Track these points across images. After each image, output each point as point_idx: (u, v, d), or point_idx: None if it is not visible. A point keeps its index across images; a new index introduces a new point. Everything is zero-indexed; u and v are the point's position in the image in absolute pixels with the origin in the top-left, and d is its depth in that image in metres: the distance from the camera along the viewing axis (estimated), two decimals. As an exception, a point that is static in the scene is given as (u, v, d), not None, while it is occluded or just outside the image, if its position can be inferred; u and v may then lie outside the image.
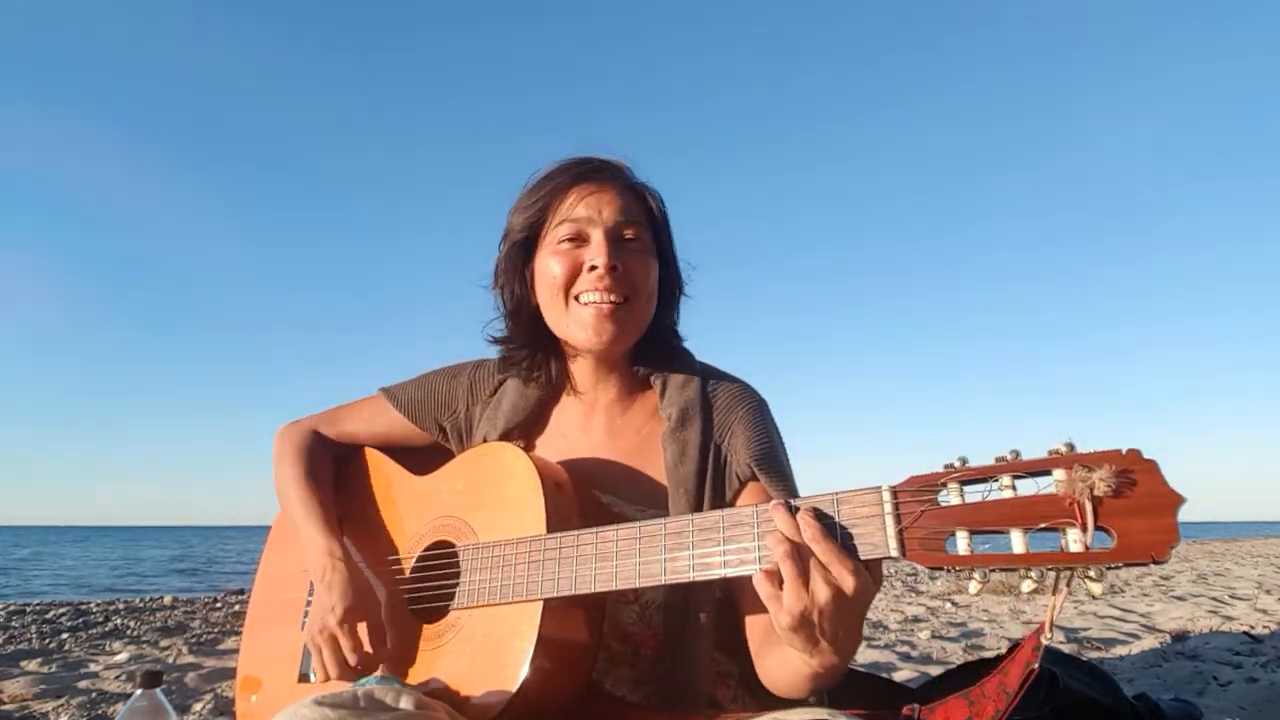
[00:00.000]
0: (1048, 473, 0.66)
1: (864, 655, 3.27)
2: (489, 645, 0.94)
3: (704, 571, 0.82)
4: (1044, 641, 0.70)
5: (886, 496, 0.72)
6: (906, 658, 3.22)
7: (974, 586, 0.68)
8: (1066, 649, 3.04)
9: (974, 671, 1.39)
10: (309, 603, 1.14)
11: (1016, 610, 4.72)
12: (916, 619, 4.50)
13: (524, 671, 0.88)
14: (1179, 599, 5.30)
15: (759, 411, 1.10)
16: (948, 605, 5.17)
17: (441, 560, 1.05)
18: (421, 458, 1.22)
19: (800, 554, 0.72)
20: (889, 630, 4.05)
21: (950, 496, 0.70)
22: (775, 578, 0.73)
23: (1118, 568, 0.63)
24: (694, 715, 0.99)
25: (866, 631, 3.97)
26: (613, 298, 1.03)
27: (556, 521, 0.96)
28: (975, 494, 0.69)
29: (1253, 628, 3.64)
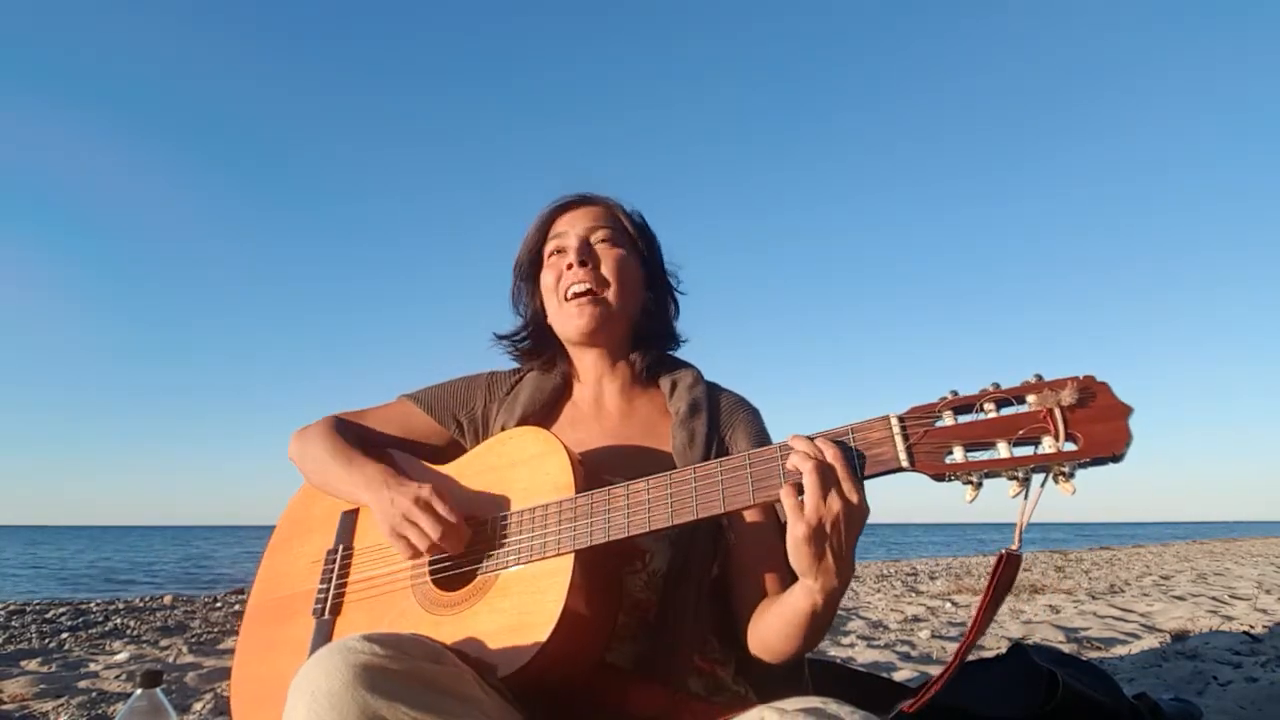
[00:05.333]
0: (1023, 399, 0.80)
1: (864, 655, 3.28)
2: (519, 602, 0.96)
3: (735, 500, 0.91)
4: (1013, 548, 0.80)
5: (895, 422, 0.86)
6: (906, 657, 3.23)
7: (969, 495, 0.80)
8: (1066, 649, 3.04)
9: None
10: (321, 589, 1.15)
11: (1016, 610, 4.72)
12: (916, 619, 4.50)
13: (553, 625, 0.90)
14: (1179, 599, 5.31)
15: (756, 417, 1.25)
16: (948, 605, 5.17)
17: (471, 531, 1.06)
18: (438, 458, 1.24)
19: (822, 469, 0.85)
20: (889, 630, 4.06)
21: (946, 420, 0.83)
22: (797, 490, 0.86)
23: (1086, 464, 0.76)
24: (695, 700, 1.00)
25: (866, 631, 3.98)
26: (589, 286, 1.21)
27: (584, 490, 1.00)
28: (966, 418, 0.83)
29: (1253, 627, 3.64)
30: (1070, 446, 0.76)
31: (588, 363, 1.27)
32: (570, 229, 1.25)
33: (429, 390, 1.34)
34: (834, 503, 0.84)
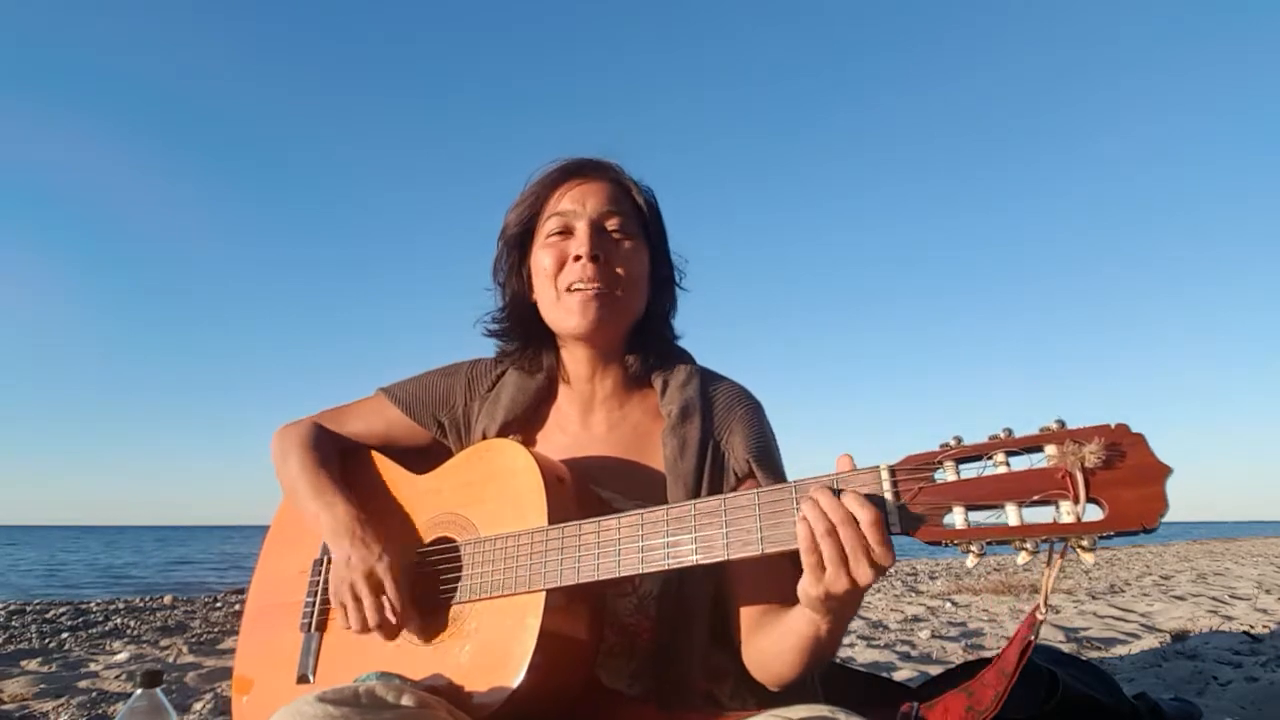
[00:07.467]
0: (1039, 449, 0.68)
1: (864, 655, 3.27)
2: (491, 639, 0.93)
3: (708, 554, 0.82)
4: (1040, 618, 0.71)
5: (885, 475, 0.74)
6: (906, 657, 3.22)
7: (971, 560, 0.69)
8: (1066, 649, 3.04)
9: (974, 670, 1.39)
10: (307, 604, 1.14)
11: (1016, 610, 4.72)
12: (916, 619, 4.50)
13: (526, 665, 0.87)
14: (1179, 599, 5.31)
15: (755, 412, 1.13)
16: (948, 605, 5.17)
17: (443, 555, 1.04)
18: (422, 458, 1.21)
19: (838, 534, 0.72)
20: (889, 630, 4.05)
21: (946, 474, 0.71)
22: (817, 552, 0.74)
23: (1110, 537, 0.64)
24: (691, 712, 0.98)
25: (866, 631, 3.98)
26: (598, 286, 1.06)
27: (558, 516, 0.96)
28: (970, 471, 0.70)
29: (1253, 627, 3.64)
30: (1094, 514, 0.65)
31: (579, 359, 1.15)
32: (580, 207, 1.09)
33: (407, 387, 1.25)
34: (862, 571, 0.72)
